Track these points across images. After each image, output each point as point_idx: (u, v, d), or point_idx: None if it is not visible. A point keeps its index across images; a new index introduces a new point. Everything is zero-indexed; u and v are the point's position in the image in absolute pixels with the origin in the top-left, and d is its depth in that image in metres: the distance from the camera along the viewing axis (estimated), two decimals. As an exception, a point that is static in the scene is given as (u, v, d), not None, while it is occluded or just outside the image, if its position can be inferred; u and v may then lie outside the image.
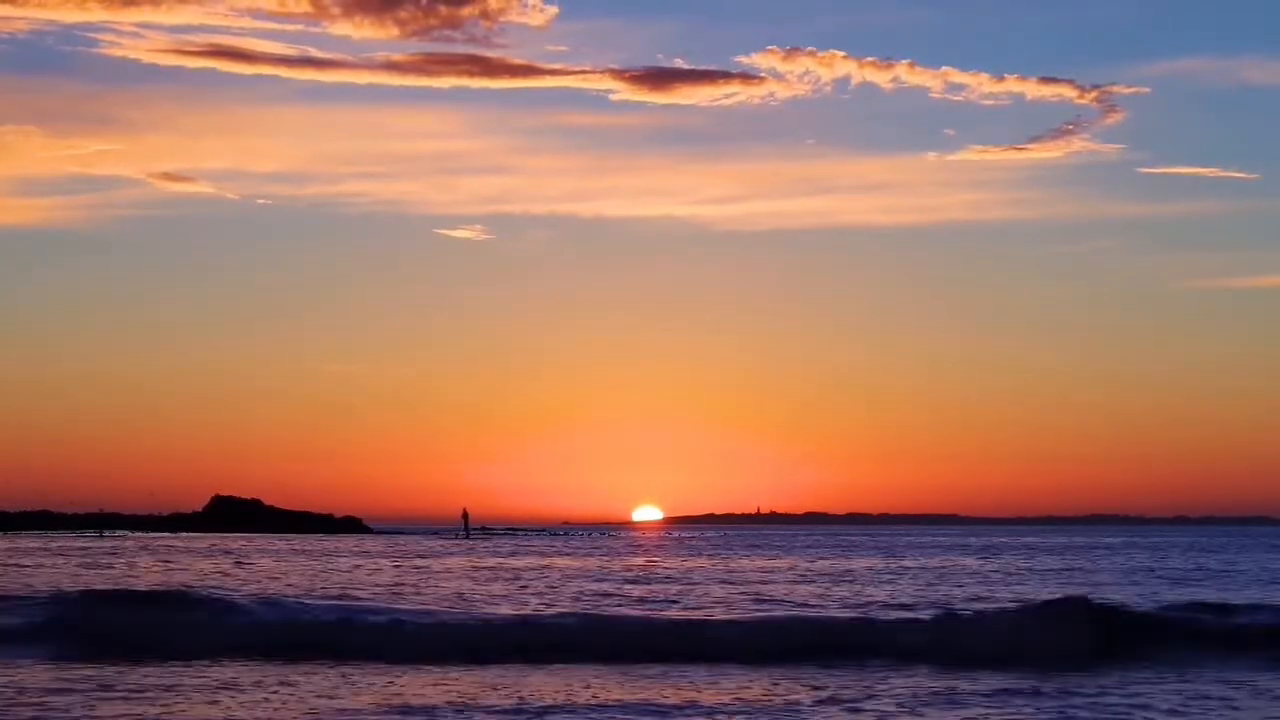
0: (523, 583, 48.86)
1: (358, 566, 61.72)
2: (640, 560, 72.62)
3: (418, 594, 41.68)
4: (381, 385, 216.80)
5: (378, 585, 46.19)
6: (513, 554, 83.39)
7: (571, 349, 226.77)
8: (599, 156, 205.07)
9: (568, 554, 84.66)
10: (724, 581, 50.55)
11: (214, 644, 26.18)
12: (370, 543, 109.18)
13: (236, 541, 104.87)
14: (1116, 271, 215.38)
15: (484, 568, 62.29)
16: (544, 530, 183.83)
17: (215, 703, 20.37)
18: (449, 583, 48.42)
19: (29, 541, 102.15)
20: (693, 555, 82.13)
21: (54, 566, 59.21)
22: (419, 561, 69.15)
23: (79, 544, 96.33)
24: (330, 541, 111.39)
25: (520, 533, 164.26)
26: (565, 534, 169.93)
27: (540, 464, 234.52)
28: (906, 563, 69.53)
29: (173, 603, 29.64)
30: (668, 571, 58.74)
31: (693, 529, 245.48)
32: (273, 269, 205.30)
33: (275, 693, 21.39)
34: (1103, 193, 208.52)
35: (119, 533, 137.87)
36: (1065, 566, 65.76)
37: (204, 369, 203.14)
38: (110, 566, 59.90)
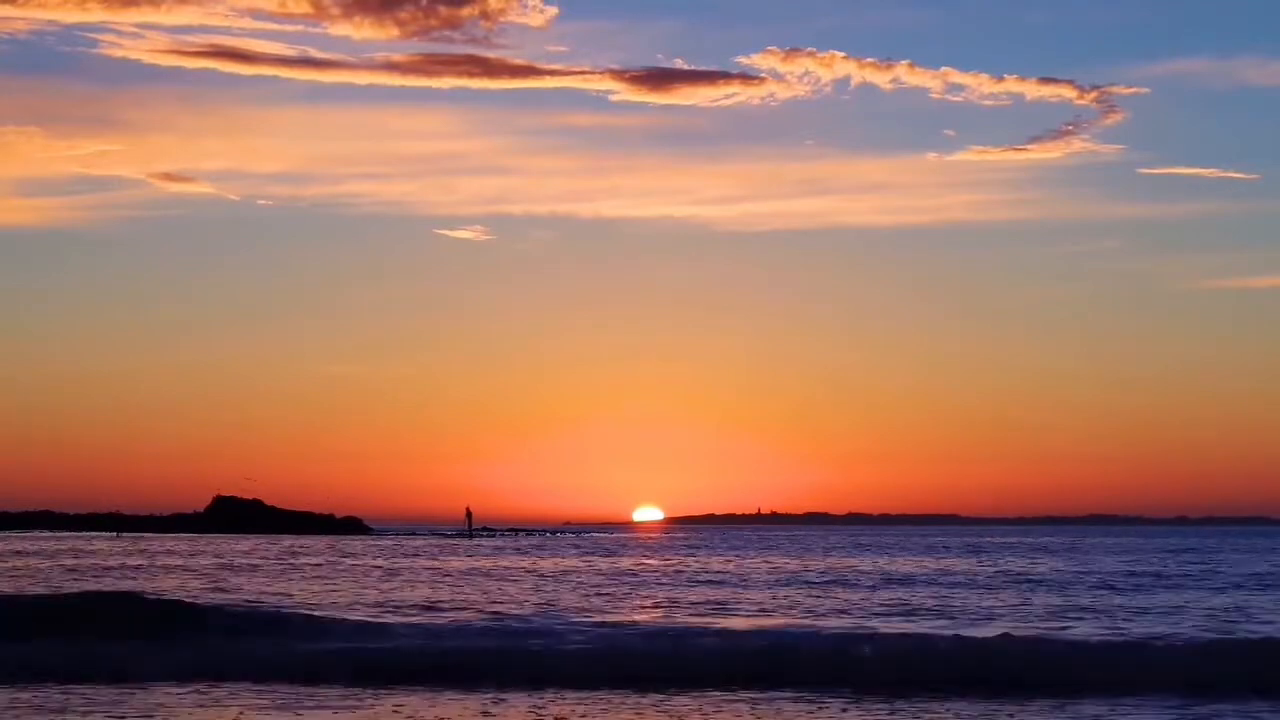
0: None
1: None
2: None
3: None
4: (382, 385, 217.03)
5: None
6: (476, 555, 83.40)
7: (572, 349, 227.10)
8: (599, 156, 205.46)
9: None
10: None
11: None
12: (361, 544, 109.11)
13: (228, 544, 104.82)
14: (1116, 271, 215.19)
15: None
16: (544, 530, 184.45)
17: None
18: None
19: (22, 543, 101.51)
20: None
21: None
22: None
23: (33, 546, 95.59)
24: (319, 541, 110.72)
25: (522, 533, 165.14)
26: (562, 533, 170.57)
27: (541, 464, 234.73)
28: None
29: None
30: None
31: (693, 529, 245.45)
32: (273, 269, 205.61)
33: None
34: (1103, 193, 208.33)
35: (117, 535, 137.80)
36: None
37: (204, 369, 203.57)
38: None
